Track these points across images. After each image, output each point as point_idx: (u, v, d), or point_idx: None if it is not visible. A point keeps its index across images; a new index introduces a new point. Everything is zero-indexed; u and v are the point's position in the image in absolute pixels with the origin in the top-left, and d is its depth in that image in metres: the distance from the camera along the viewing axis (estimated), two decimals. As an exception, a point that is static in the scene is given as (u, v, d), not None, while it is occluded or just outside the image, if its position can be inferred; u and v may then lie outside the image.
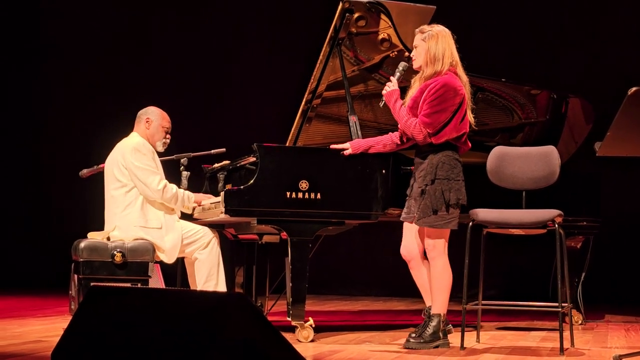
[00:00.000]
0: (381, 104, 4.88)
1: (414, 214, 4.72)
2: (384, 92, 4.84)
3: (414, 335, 4.70)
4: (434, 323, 4.68)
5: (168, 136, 5.39)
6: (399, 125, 4.83)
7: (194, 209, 5.35)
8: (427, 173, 4.68)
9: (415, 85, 4.82)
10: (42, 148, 9.50)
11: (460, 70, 4.76)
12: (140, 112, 5.40)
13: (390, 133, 5.02)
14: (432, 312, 4.72)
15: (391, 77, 4.87)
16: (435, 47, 4.72)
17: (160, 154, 5.38)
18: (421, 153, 4.77)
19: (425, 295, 4.91)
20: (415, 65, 4.81)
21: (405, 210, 4.82)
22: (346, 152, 4.95)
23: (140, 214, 5.14)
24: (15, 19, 9.56)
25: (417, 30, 4.82)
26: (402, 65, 4.91)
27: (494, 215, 4.71)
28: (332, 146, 5.05)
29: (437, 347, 4.65)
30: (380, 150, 4.98)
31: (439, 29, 4.77)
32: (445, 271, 4.71)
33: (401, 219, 4.87)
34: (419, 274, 4.90)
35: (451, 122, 4.66)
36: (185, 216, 5.38)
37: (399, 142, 4.94)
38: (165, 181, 5.21)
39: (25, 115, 9.53)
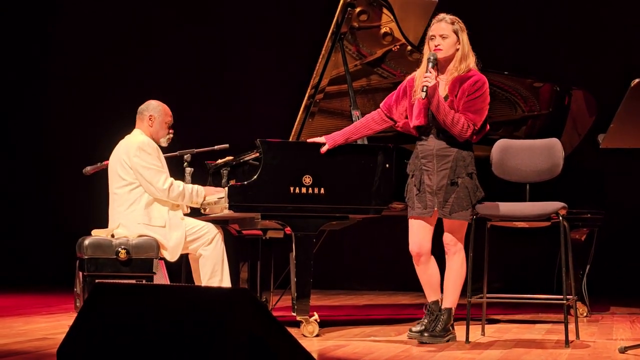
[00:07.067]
0: (423, 96, 4.49)
1: (433, 209, 4.64)
2: (427, 84, 4.47)
3: (415, 329, 4.70)
4: (445, 317, 4.67)
5: (171, 131, 5.35)
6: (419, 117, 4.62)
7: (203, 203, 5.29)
8: (457, 166, 4.59)
9: (441, 81, 4.64)
10: (46, 145, 9.49)
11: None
12: (142, 107, 5.33)
13: (365, 118, 4.91)
14: (445, 306, 4.70)
15: (430, 69, 4.52)
16: (467, 40, 4.62)
17: (163, 150, 5.36)
18: (441, 146, 4.63)
19: (428, 291, 4.78)
20: (442, 55, 4.60)
21: (418, 205, 4.67)
22: (323, 149, 4.86)
23: (144, 212, 5.13)
24: (20, 16, 9.56)
25: (439, 18, 4.66)
26: (432, 55, 4.58)
27: (498, 208, 4.71)
28: (309, 140, 4.99)
29: (448, 340, 4.65)
30: (359, 138, 4.93)
31: None
32: (464, 266, 4.70)
33: (416, 214, 4.69)
34: (425, 269, 4.75)
35: (487, 119, 4.68)
36: (192, 210, 5.35)
37: (377, 128, 4.87)
38: (171, 179, 5.18)
39: (29, 113, 9.52)
